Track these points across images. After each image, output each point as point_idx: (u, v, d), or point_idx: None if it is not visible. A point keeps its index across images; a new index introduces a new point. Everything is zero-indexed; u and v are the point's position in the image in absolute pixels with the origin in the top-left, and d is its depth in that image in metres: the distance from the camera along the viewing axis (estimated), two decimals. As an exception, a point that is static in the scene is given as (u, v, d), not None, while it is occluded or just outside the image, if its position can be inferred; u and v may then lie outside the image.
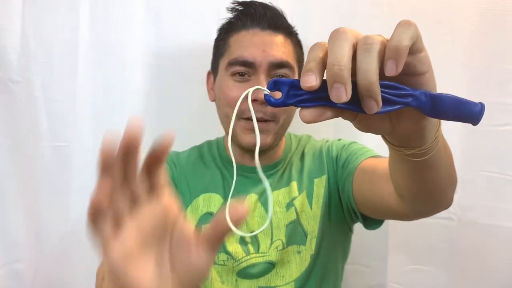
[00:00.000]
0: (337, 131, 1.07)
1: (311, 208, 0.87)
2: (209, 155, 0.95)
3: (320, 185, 0.88)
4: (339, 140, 0.93)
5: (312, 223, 0.85)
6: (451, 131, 1.05)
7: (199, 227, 0.86)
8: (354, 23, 1.06)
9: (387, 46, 0.39)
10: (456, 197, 1.05)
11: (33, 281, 1.04)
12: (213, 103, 1.02)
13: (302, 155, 0.93)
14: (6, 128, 1.00)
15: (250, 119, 0.81)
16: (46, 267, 1.06)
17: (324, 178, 0.88)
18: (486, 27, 1.03)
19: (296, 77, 0.86)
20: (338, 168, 0.87)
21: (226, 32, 0.86)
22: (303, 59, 0.92)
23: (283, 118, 0.84)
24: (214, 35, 0.96)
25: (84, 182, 1.06)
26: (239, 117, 0.81)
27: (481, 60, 1.04)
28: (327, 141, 0.94)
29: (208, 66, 1.04)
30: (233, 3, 0.86)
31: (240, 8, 0.85)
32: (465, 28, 1.04)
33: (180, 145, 1.08)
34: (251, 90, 0.47)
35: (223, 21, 0.89)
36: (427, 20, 1.04)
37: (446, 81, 1.04)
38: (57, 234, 1.06)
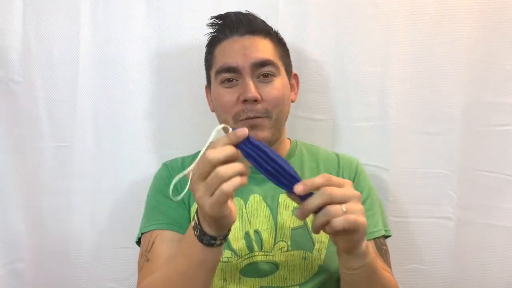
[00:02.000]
0: (335, 142, 1.09)
1: None
2: None
3: None
4: (364, 176, 0.95)
5: (321, 233, 0.86)
6: (450, 131, 1.06)
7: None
8: (352, 24, 1.06)
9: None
10: (455, 197, 1.07)
11: (34, 281, 1.04)
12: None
13: (317, 163, 0.95)
14: (7, 128, 1.01)
15: (246, 119, 0.84)
16: (47, 267, 1.06)
17: None
18: (486, 28, 1.04)
19: (282, 72, 0.89)
20: None
21: (211, 46, 0.92)
22: (288, 55, 0.94)
23: (276, 113, 0.86)
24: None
25: (84, 182, 1.06)
26: (236, 120, 0.86)
27: (481, 61, 1.05)
28: (352, 162, 0.96)
29: (208, 66, 1.05)
30: (211, 19, 0.92)
31: (218, 22, 0.91)
32: (465, 28, 1.04)
33: (181, 143, 1.08)
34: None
35: (207, 37, 0.93)
36: (427, 20, 1.05)
37: (445, 81, 1.06)
38: (57, 233, 1.06)
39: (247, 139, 0.62)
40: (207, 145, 0.61)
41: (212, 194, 0.59)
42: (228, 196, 0.59)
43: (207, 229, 0.64)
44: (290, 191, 0.63)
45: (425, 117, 1.07)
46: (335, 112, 1.09)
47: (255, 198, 0.89)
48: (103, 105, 1.06)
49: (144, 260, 0.84)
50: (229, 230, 0.67)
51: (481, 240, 1.08)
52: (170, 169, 0.95)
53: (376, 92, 1.07)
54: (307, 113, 1.08)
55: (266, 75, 0.86)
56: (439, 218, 1.08)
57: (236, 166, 0.59)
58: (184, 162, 0.96)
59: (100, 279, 1.07)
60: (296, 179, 0.63)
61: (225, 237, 0.67)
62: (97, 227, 1.07)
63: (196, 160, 0.61)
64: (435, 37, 1.05)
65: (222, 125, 0.64)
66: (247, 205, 0.89)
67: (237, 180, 0.59)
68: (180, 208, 0.89)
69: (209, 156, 0.59)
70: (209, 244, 0.66)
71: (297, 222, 0.87)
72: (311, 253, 0.85)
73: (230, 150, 0.60)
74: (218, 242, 0.66)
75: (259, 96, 0.84)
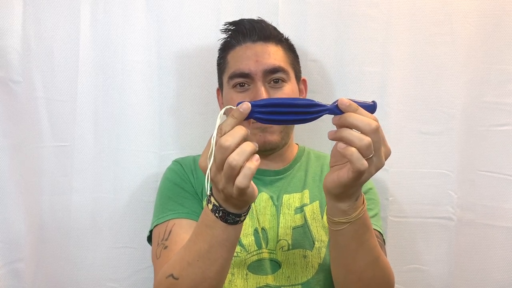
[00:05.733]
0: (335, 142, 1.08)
1: (322, 218, 0.91)
2: None
3: None
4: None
5: (321, 232, 0.89)
6: (450, 131, 1.07)
7: None
8: (353, 24, 1.06)
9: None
10: (455, 197, 1.07)
11: (34, 281, 1.04)
12: (213, 104, 1.04)
13: (322, 168, 0.97)
14: (7, 128, 1.00)
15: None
16: (47, 267, 1.06)
17: None
18: (485, 28, 1.04)
19: (292, 79, 0.92)
20: None
21: (224, 51, 0.95)
22: (297, 61, 0.96)
23: None
24: (214, 36, 0.97)
25: (84, 182, 1.06)
26: None
27: (480, 61, 1.05)
28: None
29: (208, 66, 1.05)
30: (225, 25, 0.94)
31: (232, 28, 0.93)
32: (465, 28, 1.04)
33: (181, 143, 1.08)
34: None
35: (220, 42, 0.96)
36: (427, 21, 1.05)
37: (445, 81, 1.06)
38: (57, 233, 1.06)
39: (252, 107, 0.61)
40: (215, 131, 0.60)
41: (233, 183, 0.60)
42: (248, 185, 0.59)
43: (232, 209, 0.65)
44: (325, 114, 0.63)
45: (425, 117, 1.07)
46: (335, 112, 1.09)
47: (263, 197, 0.91)
48: (103, 105, 1.06)
49: (162, 248, 0.83)
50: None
51: (481, 241, 1.08)
52: (182, 165, 0.96)
53: (376, 92, 1.07)
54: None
55: (276, 81, 0.89)
56: (439, 218, 1.08)
57: (247, 149, 0.59)
58: (195, 160, 0.97)
59: (100, 279, 1.07)
60: (323, 106, 0.62)
61: (248, 211, 0.67)
62: (97, 227, 1.07)
63: (210, 150, 0.61)
64: (435, 37, 1.05)
65: (226, 107, 0.63)
66: (255, 202, 0.90)
67: (249, 169, 0.59)
68: (195, 199, 0.90)
69: (224, 144, 0.58)
70: (234, 222, 0.66)
71: (298, 222, 0.89)
72: (311, 251, 0.87)
73: (240, 131, 0.60)
74: (242, 218, 0.67)
75: None
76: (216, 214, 0.65)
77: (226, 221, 0.65)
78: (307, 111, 0.62)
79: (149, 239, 0.92)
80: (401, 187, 1.08)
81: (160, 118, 1.08)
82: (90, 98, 1.05)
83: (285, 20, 1.05)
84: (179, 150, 1.08)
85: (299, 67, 0.97)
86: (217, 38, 0.96)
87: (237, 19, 0.94)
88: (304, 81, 0.99)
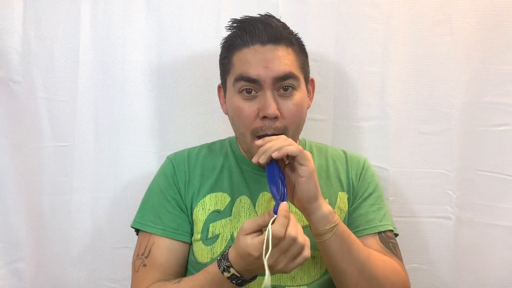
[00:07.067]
0: (335, 142, 1.09)
1: None
2: (220, 153, 0.96)
3: (343, 200, 0.92)
4: (370, 173, 0.96)
5: None
6: (450, 131, 1.07)
7: (207, 224, 0.88)
8: (353, 24, 1.07)
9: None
10: (454, 196, 1.07)
11: (34, 280, 1.04)
12: (213, 104, 1.04)
13: (326, 160, 0.96)
14: (7, 128, 1.01)
15: (264, 135, 0.84)
16: (47, 266, 1.06)
17: (346, 197, 0.93)
18: (485, 28, 1.04)
19: (302, 84, 0.87)
20: (354, 207, 0.93)
21: (228, 50, 0.88)
22: (307, 62, 0.92)
23: (293, 129, 0.85)
24: (215, 36, 0.96)
25: (85, 182, 1.06)
26: (254, 135, 0.84)
27: (480, 61, 1.05)
28: (359, 160, 0.97)
29: (208, 66, 1.05)
30: (230, 21, 0.88)
31: (238, 25, 0.86)
32: (464, 29, 1.05)
33: (181, 143, 1.08)
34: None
35: (224, 38, 0.90)
36: (426, 21, 1.06)
37: (445, 81, 1.06)
38: (58, 233, 1.06)
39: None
40: (270, 224, 0.69)
41: (293, 260, 0.70)
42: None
43: (249, 275, 0.74)
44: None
45: (425, 117, 1.08)
46: (335, 112, 1.09)
47: (265, 197, 0.90)
48: (103, 105, 1.06)
49: (141, 263, 0.86)
50: None
51: (480, 240, 1.08)
52: (174, 165, 0.93)
53: (376, 92, 1.07)
54: (307, 113, 1.08)
55: (286, 88, 0.84)
56: (438, 218, 1.09)
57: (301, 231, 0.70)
58: (190, 155, 0.95)
59: (100, 279, 1.07)
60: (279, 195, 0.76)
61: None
62: (97, 227, 1.07)
63: (274, 243, 0.68)
64: (435, 37, 1.06)
65: (270, 230, 0.69)
66: (256, 204, 0.89)
67: (308, 241, 0.71)
68: (178, 213, 0.89)
69: (295, 234, 0.69)
70: (250, 280, 0.76)
71: (306, 221, 0.86)
72: (319, 251, 0.84)
73: (293, 218, 0.71)
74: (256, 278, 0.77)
75: (279, 114, 0.82)
76: (234, 282, 0.74)
77: (241, 284, 0.75)
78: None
79: (135, 229, 0.93)
80: (401, 187, 1.08)
81: (160, 118, 1.08)
82: (90, 98, 1.05)
83: (285, 20, 1.04)
84: (179, 149, 1.07)
85: (309, 68, 0.92)
86: (217, 38, 0.95)
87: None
88: (312, 81, 0.95)
